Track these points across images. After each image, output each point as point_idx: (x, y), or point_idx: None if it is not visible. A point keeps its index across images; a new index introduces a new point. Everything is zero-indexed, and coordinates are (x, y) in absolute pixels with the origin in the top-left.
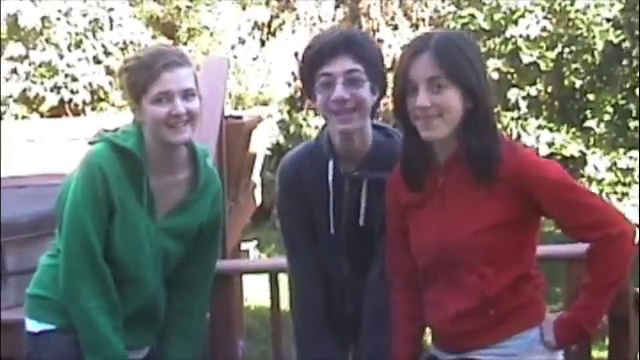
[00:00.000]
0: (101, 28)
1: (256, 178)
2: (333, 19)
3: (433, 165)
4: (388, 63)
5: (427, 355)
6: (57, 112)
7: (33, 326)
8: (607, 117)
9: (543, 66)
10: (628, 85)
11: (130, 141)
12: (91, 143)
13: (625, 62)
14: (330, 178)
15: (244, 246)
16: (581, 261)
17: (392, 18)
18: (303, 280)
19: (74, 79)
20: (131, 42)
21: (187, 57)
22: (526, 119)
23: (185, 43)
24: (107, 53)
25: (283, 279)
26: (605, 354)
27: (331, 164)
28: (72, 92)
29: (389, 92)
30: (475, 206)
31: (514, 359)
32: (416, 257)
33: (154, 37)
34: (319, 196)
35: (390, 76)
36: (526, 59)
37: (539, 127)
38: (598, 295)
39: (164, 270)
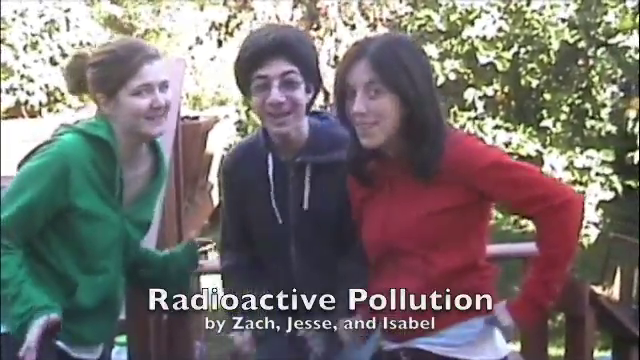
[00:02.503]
0: (57, 29)
1: (213, 179)
2: (291, 19)
3: (381, 159)
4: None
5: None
6: (13, 114)
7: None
8: (563, 116)
9: (500, 66)
10: (584, 85)
11: (101, 131)
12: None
13: (581, 62)
14: (270, 171)
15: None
16: None
17: (350, 18)
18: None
19: (30, 80)
20: (88, 43)
21: (159, 51)
22: (483, 119)
23: None
24: (64, 54)
25: None
26: (561, 352)
27: (270, 157)
28: (28, 94)
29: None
30: (419, 194)
31: (454, 350)
32: (366, 247)
33: (111, 38)
34: (261, 189)
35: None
36: (483, 59)
37: (496, 127)
38: (550, 268)
39: (123, 260)
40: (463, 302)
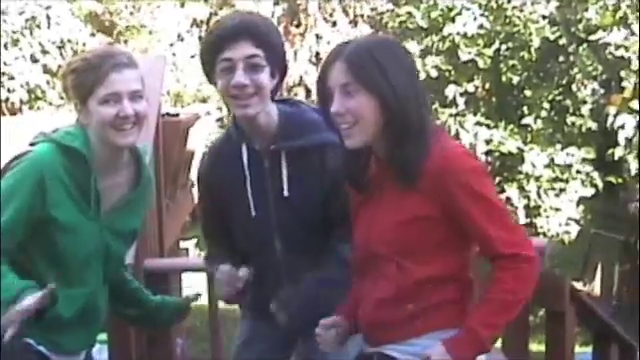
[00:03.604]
0: (38, 26)
1: (194, 176)
2: (272, 15)
3: (376, 163)
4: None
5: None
6: None
7: None
8: (544, 113)
9: (481, 63)
10: (564, 81)
11: (77, 142)
12: (32, 144)
13: (561, 58)
14: (245, 160)
15: (183, 244)
16: None
17: (331, 15)
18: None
19: (11, 78)
20: (69, 40)
21: (134, 59)
22: (464, 115)
23: (125, 41)
24: (44, 52)
25: None
26: (542, 347)
27: (244, 147)
28: (9, 91)
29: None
30: (400, 200)
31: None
32: (354, 252)
33: (92, 35)
34: (238, 181)
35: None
36: (464, 56)
37: (477, 124)
38: (502, 313)
39: (105, 271)
40: (438, 312)
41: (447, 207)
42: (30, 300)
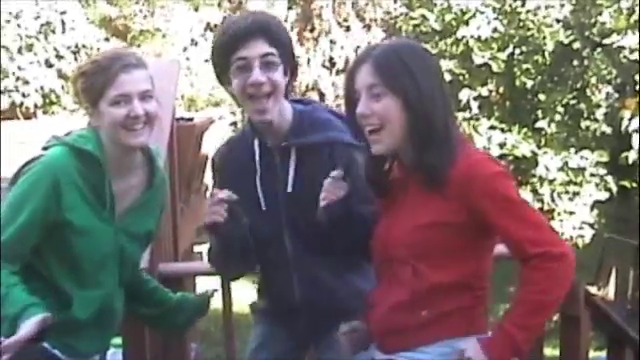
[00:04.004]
0: (53, 31)
1: (208, 180)
2: (285, 20)
3: (399, 167)
4: (341, 64)
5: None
6: (8, 115)
7: None
8: (558, 117)
9: (494, 67)
10: (579, 85)
11: (90, 144)
12: (45, 148)
13: (575, 62)
14: (257, 156)
15: (197, 248)
16: None
17: (345, 19)
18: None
19: (25, 82)
20: (83, 45)
21: (143, 60)
22: (478, 119)
23: (138, 45)
24: (59, 56)
25: (236, 281)
26: (557, 352)
27: (256, 142)
28: (23, 95)
29: (342, 91)
30: (423, 204)
31: None
32: (372, 255)
33: (107, 40)
34: (249, 175)
35: (342, 77)
36: (477, 60)
37: (491, 128)
38: (536, 314)
39: (121, 273)
40: (451, 320)
41: (473, 213)
42: (25, 329)
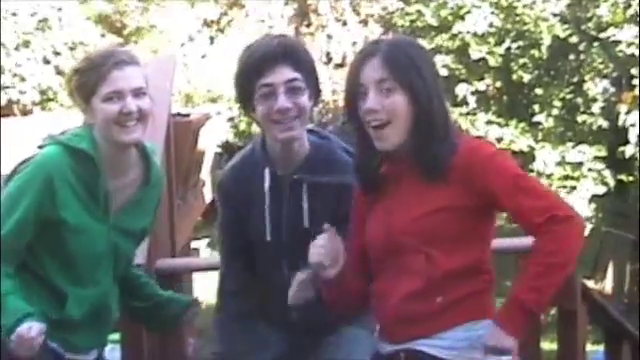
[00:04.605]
0: (50, 28)
1: (205, 176)
2: (282, 16)
3: (393, 159)
4: (338, 59)
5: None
6: (5, 112)
7: None
8: (555, 111)
9: (491, 61)
10: (575, 79)
11: (84, 143)
12: (41, 147)
13: (572, 56)
14: (267, 185)
15: (195, 244)
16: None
17: (341, 14)
18: (227, 298)
19: (22, 79)
20: (80, 42)
21: (136, 57)
22: (475, 114)
23: (135, 42)
24: (56, 53)
25: None
26: (554, 346)
27: (267, 171)
28: (20, 92)
29: (343, 83)
30: (424, 192)
31: (456, 353)
32: (368, 248)
33: (103, 36)
34: (258, 204)
35: (340, 72)
36: (474, 55)
37: (488, 122)
38: (546, 275)
39: (115, 270)
40: (465, 304)
41: (478, 194)
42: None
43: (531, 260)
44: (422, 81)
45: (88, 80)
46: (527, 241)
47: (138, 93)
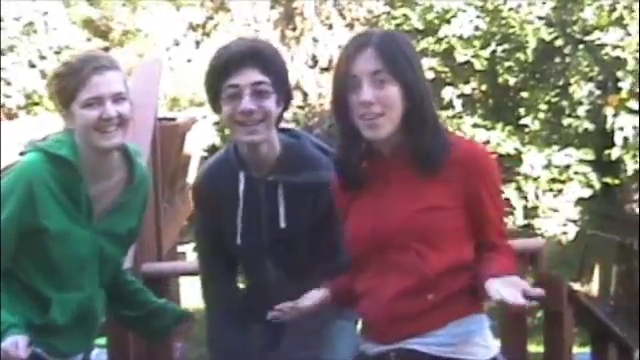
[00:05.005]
0: (35, 32)
1: (191, 180)
2: (268, 19)
3: (376, 156)
4: (324, 63)
5: (356, 354)
6: None
7: None
8: (541, 114)
9: (477, 65)
10: (561, 82)
11: (64, 149)
12: (22, 154)
13: (557, 59)
14: (241, 188)
15: (181, 248)
16: (521, 256)
17: (327, 18)
18: (215, 301)
19: (8, 83)
20: (66, 46)
21: (116, 62)
22: (461, 117)
23: (121, 45)
24: (42, 57)
25: None
26: (541, 349)
27: (242, 175)
28: (6, 96)
29: (329, 87)
30: (416, 189)
31: (451, 350)
32: (350, 245)
33: (89, 40)
34: (232, 206)
35: (326, 76)
36: (460, 58)
37: (474, 125)
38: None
39: (101, 274)
40: (456, 301)
41: (468, 194)
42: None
43: (496, 256)
44: (413, 73)
45: (67, 85)
46: (518, 244)
47: (118, 98)
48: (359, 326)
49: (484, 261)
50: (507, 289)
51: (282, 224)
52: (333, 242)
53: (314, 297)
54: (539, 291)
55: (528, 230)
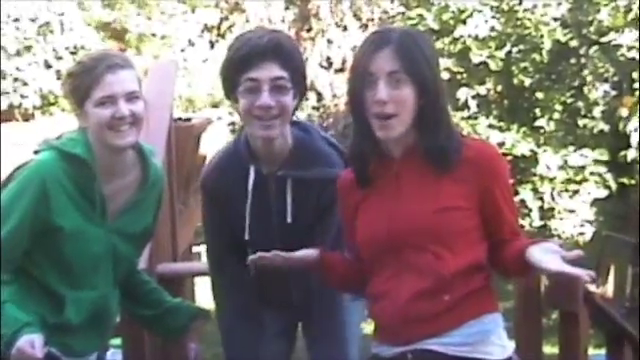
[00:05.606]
0: (51, 32)
1: None
2: (283, 20)
3: (386, 157)
4: (338, 64)
5: (369, 356)
6: (7, 117)
7: None
8: (556, 115)
9: (492, 65)
10: (576, 83)
11: (78, 148)
12: (36, 152)
13: (573, 60)
14: (251, 183)
15: (196, 249)
16: None
17: (341, 19)
18: (225, 298)
19: (24, 84)
20: (82, 47)
21: (130, 61)
22: (476, 118)
23: (136, 47)
24: (58, 57)
25: None
26: (556, 350)
27: (252, 169)
28: (22, 97)
29: (343, 88)
30: (429, 189)
31: (468, 349)
32: (363, 246)
33: (105, 40)
34: (241, 201)
35: (340, 77)
36: (475, 59)
37: (489, 126)
38: None
39: (115, 273)
40: (471, 301)
41: (482, 194)
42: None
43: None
44: (431, 73)
45: (81, 84)
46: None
47: (131, 97)
48: (371, 327)
49: (507, 245)
50: (548, 256)
51: (289, 219)
52: (335, 236)
53: (303, 254)
54: (577, 252)
55: (545, 231)
